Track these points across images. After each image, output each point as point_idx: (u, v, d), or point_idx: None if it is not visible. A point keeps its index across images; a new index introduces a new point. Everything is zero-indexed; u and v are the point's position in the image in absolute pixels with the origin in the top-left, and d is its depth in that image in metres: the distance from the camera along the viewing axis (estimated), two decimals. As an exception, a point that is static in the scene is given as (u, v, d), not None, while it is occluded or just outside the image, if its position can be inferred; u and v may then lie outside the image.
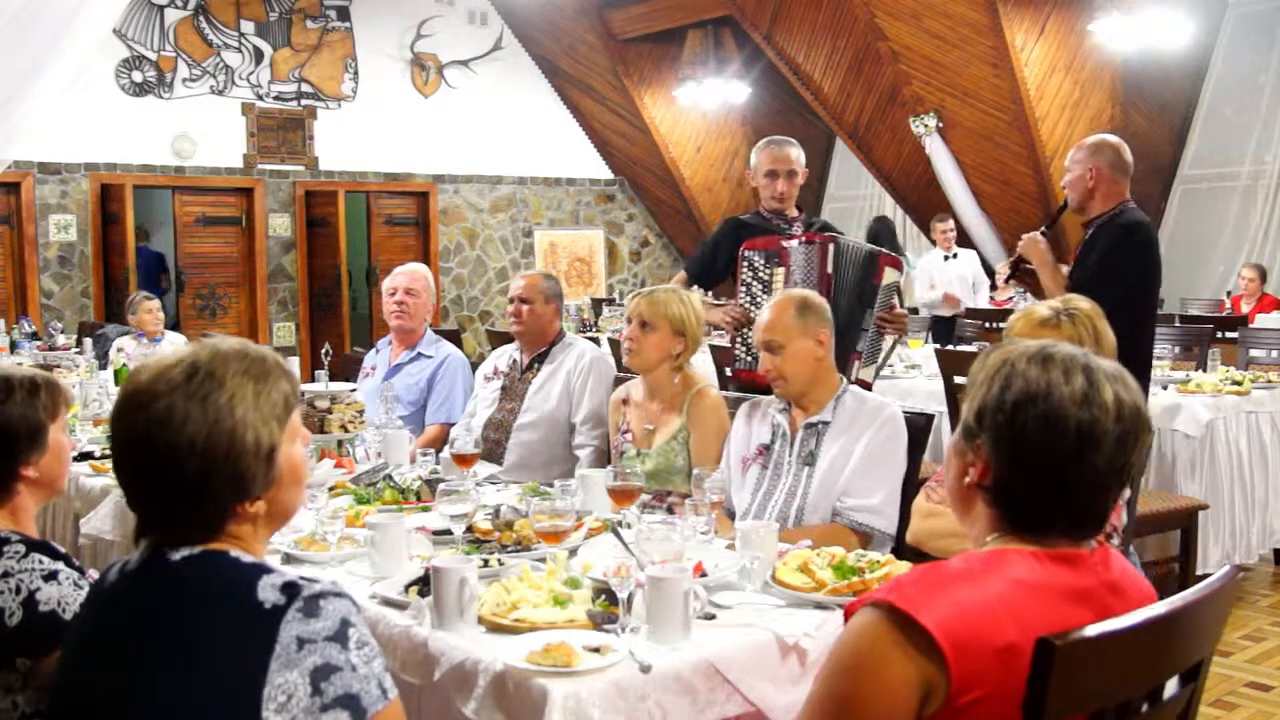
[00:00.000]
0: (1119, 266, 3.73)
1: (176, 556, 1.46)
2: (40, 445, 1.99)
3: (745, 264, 3.94)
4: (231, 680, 1.36)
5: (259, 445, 1.48)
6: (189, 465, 1.44)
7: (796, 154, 4.13)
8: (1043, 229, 4.01)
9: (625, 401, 3.56)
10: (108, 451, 2.96)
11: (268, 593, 1.40)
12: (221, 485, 1.46)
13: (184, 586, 1.44)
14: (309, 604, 1.40)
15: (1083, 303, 2.79)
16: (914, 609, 1.32)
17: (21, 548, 1.86)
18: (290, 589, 1.41)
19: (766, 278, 3.89)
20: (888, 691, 1.31)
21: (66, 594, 1.81)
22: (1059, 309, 2.73)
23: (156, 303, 6.82)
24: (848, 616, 1.41)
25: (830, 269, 3.77)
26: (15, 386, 1.98)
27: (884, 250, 3.86)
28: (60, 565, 1.86)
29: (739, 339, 3.92)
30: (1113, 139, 3.92)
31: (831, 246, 3.79)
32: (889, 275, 3.82)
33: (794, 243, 3.86)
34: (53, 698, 1.58)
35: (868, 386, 3.83)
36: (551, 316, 4.12)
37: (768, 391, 3.13)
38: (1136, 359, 3.58)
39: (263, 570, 1.44)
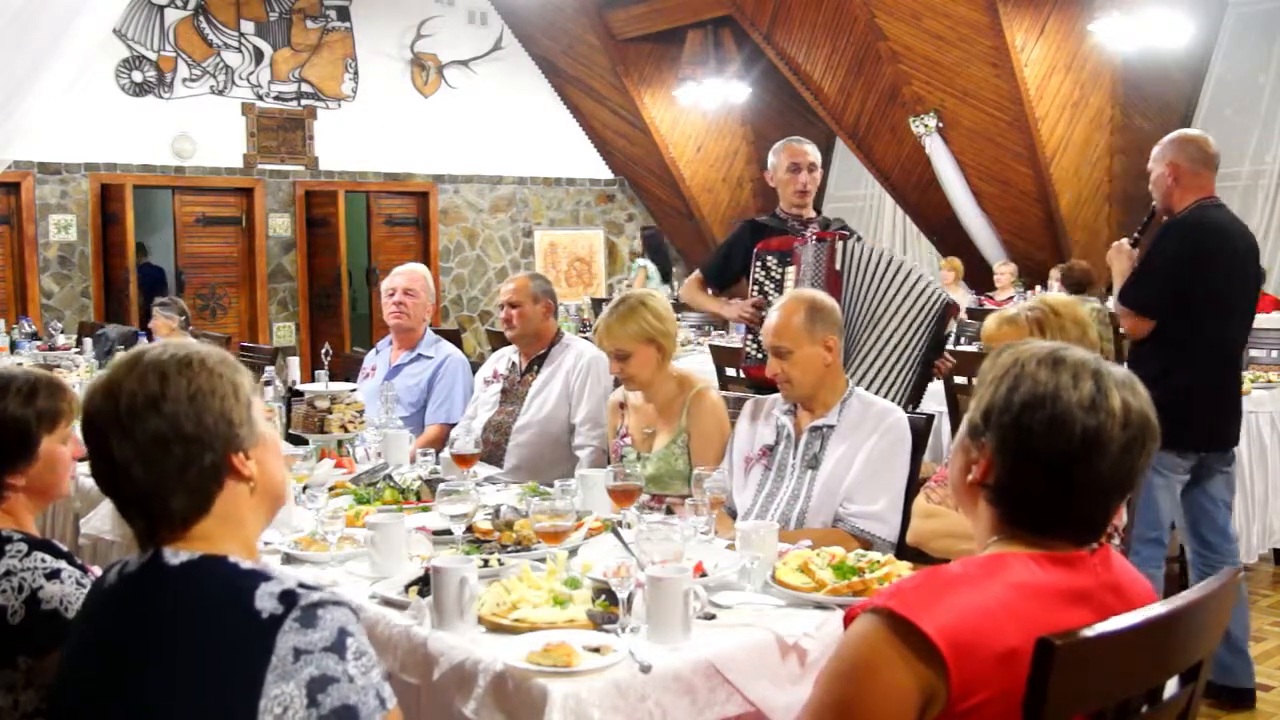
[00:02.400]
0: (1151, 266, 3.63)
1: (175, 561, 1.45)
2: (28, 455, 1.94)
3: (758, 263, 3.96)
4: (227, 690, 1.35)
5: (239, 391, 1.51)
6: (183, 410, 1.45)
7: (814, 150, 4.26)
8: (1133, 237, 3.88)
9: (623, 405, 3.53)
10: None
11: (265, 601, 1.39)
12: (215, 428, 1.46)
13: (182, 592, 1.43)
14: (306, 614, 1.38)
15: (1052, 299, 2.90)
16: (914, 615, 1.31)
17: (24, 546, 1.85)
18: (288, 598, 1.39)
19: (779, 276, 3.89)
20: (888, 698, 1.31)
21: (69, 593, 1.81)
22: (1024, 307, 2.87)
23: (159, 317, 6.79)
24: (847, 622, 1.40)
25: (838, 266, 3.74)
26: (10, 390, 1.94)
27: (954, 301, 3.87)
28: (63, 564, 1.85)
29: (749, 335, 3.94)
30: (1193, 132, 3.79)
31: (840, 245, 3.78)
32: (951, 325, 3.85)
33: (805, 242, 3.86)
34: (51, 697, 1.57)
35: None
36: (543, 315, 4.10)
37: (776, 389, 3.10)
38: (1176, 361, 3.52)
39: (261, 577, 1.43)
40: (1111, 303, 3.70)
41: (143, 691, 1.39)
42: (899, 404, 3.60)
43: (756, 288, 3.97)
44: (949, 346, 4.06)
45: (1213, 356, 3.63)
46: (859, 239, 3.93)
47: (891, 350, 3.74)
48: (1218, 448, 3.72)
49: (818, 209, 4.31)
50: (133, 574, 1.48)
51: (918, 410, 3.73)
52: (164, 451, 1.44)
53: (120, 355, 1.54)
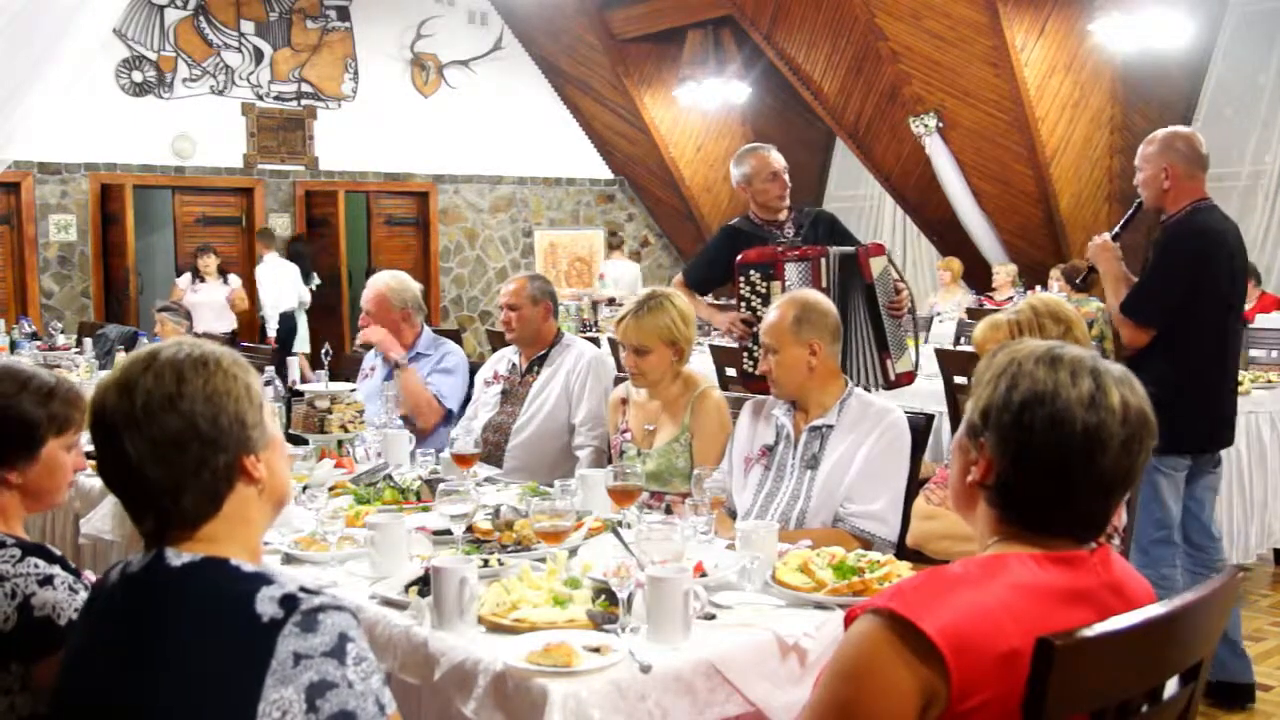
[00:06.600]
0: (1156, 279, 3.58)
1: (178, 562, 1.45)
2: (29, 453, 1.93)
3: (742, 278, 3.96)
4: (226, 693, 1.35)
5: (251, 392, 1.51)
6: (199, 409, 1.45)
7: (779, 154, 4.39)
8: (1114, 232, 3.83)
9: (624, 401, 3.55)
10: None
11: (266, 605, 1.39)
12: (229, 429, 1.46)
13: (184, 593, 1.43)
14: (307, 618, 1.38)
15: (1035, 299, 2.94)
16: (915, 615, 1.31)
17: (17, 551, 1.83)
18: (289, 602, 1.39)
19: (764, 291, 3.90)
20: (889, 698, 1.31)
21: (61, 599, 1.79)
22: (1008, 311, 2.95)
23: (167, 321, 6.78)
24: (848, 623, 1.41)
25: (825, 284, 3.80)
26: (30, 386, 1.93)
27: (862, 245, 3.92)
28: (56, 569, 1.84)
29: (746, 353, 3.94)
30: (1184, 130, 3.71)
31: (823, 261, 3.85)
32: (877, 265, 3.86)
33: (789, 261, 3.87)
34: (54, 695, 1.57)
35: (911, 378, 3.96)
36: (543, 317, 4.09)
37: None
38: (1178, 364, 3.50)
39: (262, 580, 1.42)
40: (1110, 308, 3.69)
41: (141, 692, 1.39)
42: (873, 376, 3.75)
43: (744, 304, 3.96)
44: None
45: (1213, 359, 3.64)
46: (833, 250, 3.93)
47: (861, 341, 3.84)
48: (1215, 449, 3.72)
49: (791, 206, 4.35)
50: (135, 574, 1.47)
51: (900, 377, 3.85)
52: (179, 451, 1.44)
53: (132, 353, 1.53)
